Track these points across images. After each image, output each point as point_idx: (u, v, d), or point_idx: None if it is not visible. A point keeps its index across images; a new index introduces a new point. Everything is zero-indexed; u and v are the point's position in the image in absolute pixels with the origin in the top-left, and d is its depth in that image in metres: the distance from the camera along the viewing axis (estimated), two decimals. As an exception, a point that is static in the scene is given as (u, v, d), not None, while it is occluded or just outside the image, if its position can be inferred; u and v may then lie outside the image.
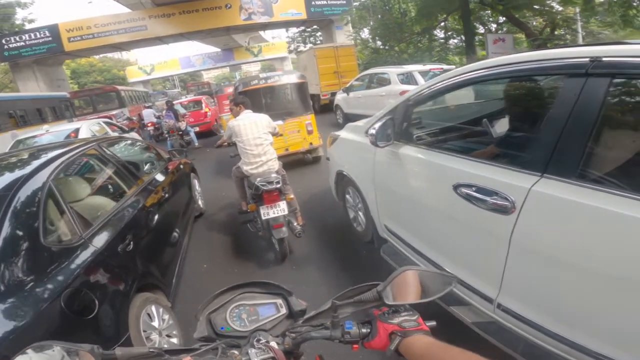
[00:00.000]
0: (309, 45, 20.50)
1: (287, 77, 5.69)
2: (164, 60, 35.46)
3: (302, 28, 23.36)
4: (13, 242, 1.54)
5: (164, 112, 10.01)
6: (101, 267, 1.77)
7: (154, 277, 2.19)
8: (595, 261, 1.16)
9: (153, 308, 1.97)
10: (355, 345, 0.74)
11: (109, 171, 2.67)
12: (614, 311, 1.16)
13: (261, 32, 28.94)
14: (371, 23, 16.83)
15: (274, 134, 3.39)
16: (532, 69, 1.50)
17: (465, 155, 1.79)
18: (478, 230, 1.60)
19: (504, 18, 13.21)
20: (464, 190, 1.62)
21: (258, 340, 0.74)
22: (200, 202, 4.54)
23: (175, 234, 2.90)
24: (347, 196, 3.26)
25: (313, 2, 19.26)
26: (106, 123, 7.76)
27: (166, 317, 2.06)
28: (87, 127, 6.73)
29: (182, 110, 10.69)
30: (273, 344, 0.74)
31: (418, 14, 14.41)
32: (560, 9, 11.99)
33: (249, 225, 3.48)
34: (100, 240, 1.90)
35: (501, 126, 2.03)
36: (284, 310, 0.84)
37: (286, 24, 22.07)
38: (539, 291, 1.39)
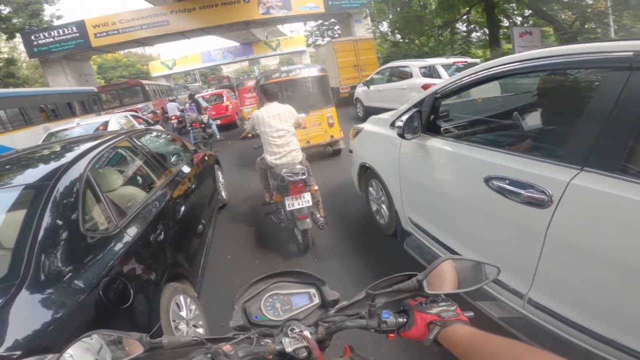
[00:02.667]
0: (327, 39, 20.37)
1: (308, 71, 5.69)
2: (185, 55, 35.99)
3: (320, 21, 23.21)
4: (54, 231, 1.55)
5: (187, 105, 10.20)
6: (136, 256, 1.79)
7: (182, 267, 2.21)
8: (636, 257, 1.14)
9: (181, 298, 1.99)
10: (391, 335, 0.74)
11: (139, 162, 2.74)
12: None
13: (279, 26, 29.01)
14: (390, 16, 16.54)
15: (298, 126, 3.41)
16: (572, 62, 1.46)
17: (497, 147, 1.75)
18: (511, 223, 1.58)
19: (530, 11, 12.73)
20: (496, 183, 1.59)
21: (292, 330, 0.75)
22: (223, 194, 4.60)
23: (201, 224, 2.94)
24: (370, 189, 3.25)
25: None
26: (132, 116, 7.99)
27: (193, 307, 2.07)
28: (116, 120, 6.95)
29: (204, 104, 10.84)
30: (306, 333, 0.74)
31: (439, 6, 14.05)
32: (591, 2, 11.46)
33: (272, 216, 3.51)
34: (134, 229, 1.92)
35: (532, 119, 1.99)
36: (316, 300, 0.84)
37: (304, 18, 21.95)
38: (574, 286, 1.37)
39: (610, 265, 1.22)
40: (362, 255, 3.02)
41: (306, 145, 5.64)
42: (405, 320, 0.73)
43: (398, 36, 17.19)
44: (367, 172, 3.17)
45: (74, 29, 18.48)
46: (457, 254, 1.98)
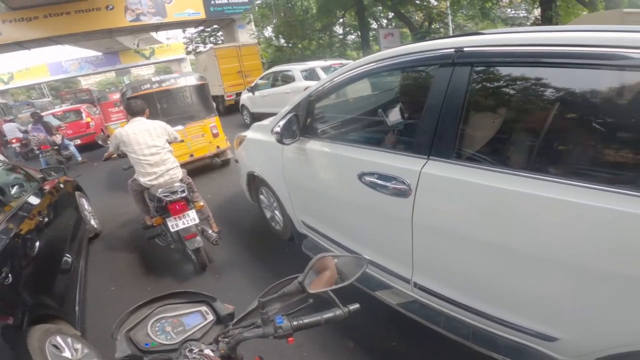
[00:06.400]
0: (209, 46, 19.47)
1: (185, 80, 5.32)
2: (26, 67, 29.74)
3: (201, 28, 22.08)
4: None
5: (30, 125, 8.50)
6: None
7: (50, 308, 2.04)
8: (477, 232, 1.31)
9: (58, 338, 1.84)
10: (290, 339, 0.74)
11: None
12: (500, 277, 1.31)
13: (153, 33, 26.47)
14: (274, 21, 16.82)
15: (174, 140, 3.13)
16: (412, 61, 1.61)
17: (366, 144, 1.87)
18: (384, 215, 1.69)
19: (393, 13, 14.59)
20: (368, 178, 1.69)
21: (190, 351, 0.73)
22: (93, 222, 4.08)
23: (66, 259, 2.60)
24: (261, 196, 3.19)
25: (212, 2, 18.13)
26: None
27: (78, 346, 1.94)
28: None
29: (55, 122, 9.39)
30: (207, 351, 0.73)
31: (319, 10, 14.93)
32: (435, 3, 13.76)
33: (157, 239, 3.21)
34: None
35: (394, 115, 2.16)
36: (210, 317, 0.83)
37: (183, 24, 20.48)
38: (443, 266, 1.52)
39: (461, 242, 1.37)
40: (264, 264, 2.96)
41: (190, 159, 5.30)
42: (300, 322, 0.74)
43: (282, 41, 17.58)
44: (255, 180, 3.10)
45: None
46: (350, 249, 2.05)
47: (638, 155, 1.05)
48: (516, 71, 1.31)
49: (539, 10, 10.46)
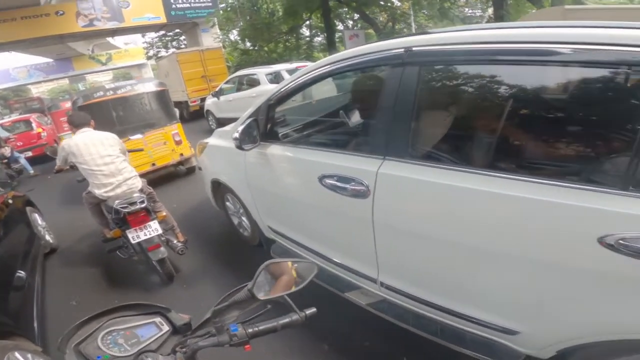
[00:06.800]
0: (171, 50, 18.83)
1: (143, 86, 5.10)
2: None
3: (162, 32, 21.32)
4: None
5: None
6: None
7: (4, 324, 2.03)
8: (434, 230, 1.33)
9: (17, 354, 1.82)
10: (247, 346, 0.75)
11: None
12: (459, 273, 1.34)
13: (110, 39, 25.22)
14: (240, 24, 16.55)
15: (123, 153, 3.00)
16: (366, 62, 1.61)
17: (326, 147, 1.86)
18: (346, 216, 1.68)
19: (358, 15, 14.81)
20: (328, 181, 1.68)
21: None
22: (48, 237, 3.89)
23: (19, 275, 2.52)
24: (227, 203, 3.13)
25: (173, 5, 17.56)
26: None
27: None
28: None
29: (3, 134, 8.92)
30: None
31: (285, 13, 14.85)
32: (399, 4, 14.13)
33: (118, 252, 3.08)
34: None
35: (353, 116, 2.15)
36: (166, 328, 0.82)
37: (142, 29, 19.65)
38: (405, 264, 1.53)
39: (420, 239, 1.38)
40: (234, 271, 2.90)
41: (152, 168, 5.09)
42: (256, 329, 0.75)
43: (248, 44, 17.34)
44: (220, 187, 3.03)
45: None
46: (317, 252, 2.04)
47: (585, 148, 1.10)
48: (463, 69, 1.34)
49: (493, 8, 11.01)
